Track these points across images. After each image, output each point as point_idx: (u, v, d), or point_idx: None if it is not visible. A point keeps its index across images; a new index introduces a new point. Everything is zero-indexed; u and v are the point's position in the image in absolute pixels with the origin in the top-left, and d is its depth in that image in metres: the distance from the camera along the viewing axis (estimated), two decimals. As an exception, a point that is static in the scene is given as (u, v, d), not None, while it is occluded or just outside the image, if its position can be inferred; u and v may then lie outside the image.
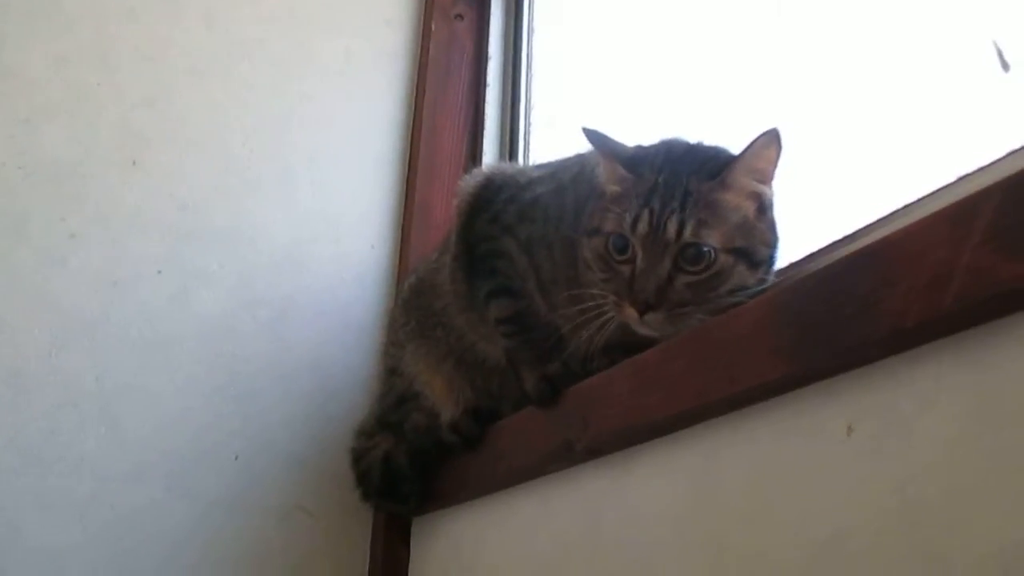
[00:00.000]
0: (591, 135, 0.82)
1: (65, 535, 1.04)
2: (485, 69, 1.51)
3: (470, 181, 1.02)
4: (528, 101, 1.50)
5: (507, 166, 1.17)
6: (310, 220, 1.32)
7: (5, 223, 1.11)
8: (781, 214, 0.80)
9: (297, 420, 1.21)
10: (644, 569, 0.76)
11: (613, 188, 0.81)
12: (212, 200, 1.26)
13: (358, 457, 1.13)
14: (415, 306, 1.08)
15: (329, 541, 1.19)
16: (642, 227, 0.76)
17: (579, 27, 1.51)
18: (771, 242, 0.79)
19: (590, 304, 0.81)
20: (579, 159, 0.96)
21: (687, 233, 0.75)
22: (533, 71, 1.52)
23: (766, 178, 0.78)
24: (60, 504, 1.05)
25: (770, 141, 0.76)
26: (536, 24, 1.54)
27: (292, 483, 1.19)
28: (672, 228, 0.75)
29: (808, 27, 0.97)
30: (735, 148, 0.80)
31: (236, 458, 1.16)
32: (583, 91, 1.41)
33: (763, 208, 0.79)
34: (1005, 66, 0.70)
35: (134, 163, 1.21)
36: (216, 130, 1.29)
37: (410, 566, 1.18)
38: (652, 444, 0.78)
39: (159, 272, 1.19)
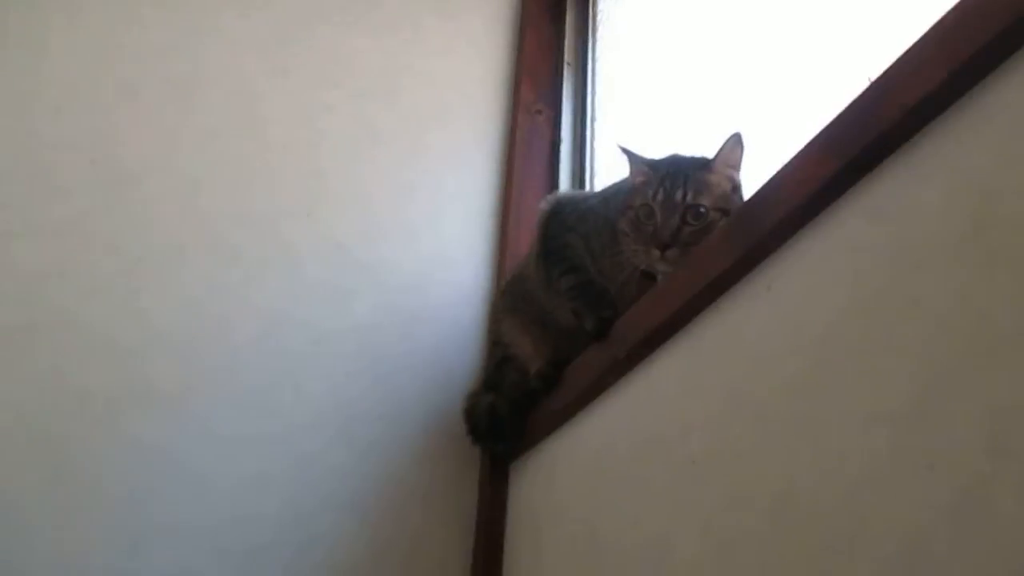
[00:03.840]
0: (625, 150, 1.27)
1: (269, 466, 1.47)
2: (558, 149, 1.98)
3: (545, 203, 1.47)
4: (591, 172, 1.96)
5: (571, 191, 1.62)
6: (431, 257, 1.78)
7: (226, 252, 1.60)
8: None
9: (425, 395, 1.63)
10: (670, 433, 1.12)
11: (639, 179, 1.25)
12: (361, 242, 1.74)
13: (469, 410, 1.53)
14: (511, 291, 1.52)
15: (448, 481, 1.59)
16: (660, 196, 1.19)
17: (627, 118, 1.98)
18: (741, 209, 1.20)
19: (626, 259, 1.23)
20: (618, 183, 1.40)
21: (689, 198, 1.18)
22: (595, 150, 1.99)
23: (736, 167, 1.21)
24: (264, 444, 1.48)
25: (736, 142, 1.19)
26: (597, 114, 2.02)
27: (422, 438, 1.60)
28: (679, 195, 1.18)
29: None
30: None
31: (380, 419, 1.59)
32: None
33: (735, 187, 1.21)
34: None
35: (308, 215, 1.71)
36: (364, 194, 1.79)
37: (508, 499, 1.56)
38: (665, 346, 1.17)
39: (326, 288, 1.65)
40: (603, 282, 1.32)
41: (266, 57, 1.86)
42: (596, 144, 1.99)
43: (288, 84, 1.85)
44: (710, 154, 1.27)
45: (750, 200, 1.03)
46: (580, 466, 1.34)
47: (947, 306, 0.74)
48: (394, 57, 2.00)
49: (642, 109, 1.92)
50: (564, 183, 1.94)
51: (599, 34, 2.15)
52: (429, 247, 1.80)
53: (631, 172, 1.28)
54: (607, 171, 1.92)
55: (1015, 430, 0.65)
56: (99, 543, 1.32)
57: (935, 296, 0.75)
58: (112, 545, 1.33)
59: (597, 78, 2.09)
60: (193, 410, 1.46)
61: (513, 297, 1.51)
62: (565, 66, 2.10)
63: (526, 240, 1.82)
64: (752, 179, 1.23)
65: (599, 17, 2.16)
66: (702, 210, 1.17)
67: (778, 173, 0.97)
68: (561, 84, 2.08)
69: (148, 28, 1.76)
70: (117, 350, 1.45)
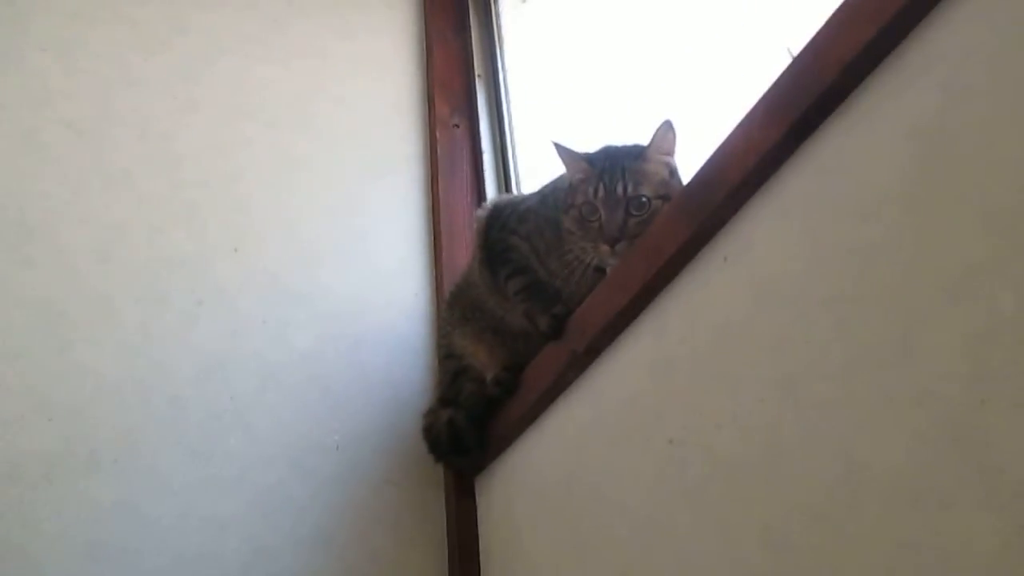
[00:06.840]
0: (558, 145, 1.27)
1: (225, 507, 1.41)
2: (481, 161, 1.98)
3: (482, 210, 1.46)
4: (517, 180, 1.96)
5: (506, 195, 1.62)
6: (366, 280, 1.75)
7: (155, 297, 1.54)
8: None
9: (378, 419, 1.60)
10: (643, 418, 1.12)
11: (578, 176, 1.25)
12: (294, 271, 1.69)
13: (428, 429, 1.50)
14: (458, 302, 1.50)
15: (413, 504, 1.55)
16: (601, 192, 1.19)
17: (546, 126, 1.99)
18: (681, 193, 1.22)
19: (574, 257, 1.23)
20: (554, 180, 1.40)
21: (630, 190, 1.18)
22: (517, 159, 2.00)
23: (670, 152, 1.23)
24: (218, 486, 1.42)
25: (668, 128, 1.21)
26: (515, 124, 2.03)
27: (380, 465, 1.56)
28: (620, 188, 1.18)
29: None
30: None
31: (337, 448, 1.54)
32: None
33: (672, 172, 1.23)
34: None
35: (235, 250, 1.66)
36: (289, 222, 1.74)
37: (478, 514, 1.53)
38: (626, 333, 1.17)
39: (264, 322, 1.60)
40: (552, 280, 1.32)
41: (174, 95, 1.80)
42: (517, 151, 1.99)
43: (199, 120, 1.80)
44: (643, 142, 1.28)
45: (695, 177, 1.04)
46: (551, 468, 1.32)
47: (908, 248, 0.76)
48: (304, 84, 1.96)
49: (560, 110, 1.94)
50: (491, 192, 1.93)
51: (505, 43, 2.16)
52: (363, 270, 1.76)
53: (568, 168, 1.28)
54: (531, 176, 1.93)
55: (996, 353, 0.67)
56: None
57: (893, 240, 0.77)
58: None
59: (509, 86, 2.10)
60: (141, 460, 1.40)
61: (461, 307, 1.49)
62: (476, 79, 2.11)
63: (460, 253, 1.81)
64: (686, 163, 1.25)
65: (503, 27, 2.17)
66: (644, 200, 1.18)
67: (721, 146, 0.99)
68: (475, 96, 2.07)
69: (48, 74, 1.69)
70: (51, 410, 1.38)
